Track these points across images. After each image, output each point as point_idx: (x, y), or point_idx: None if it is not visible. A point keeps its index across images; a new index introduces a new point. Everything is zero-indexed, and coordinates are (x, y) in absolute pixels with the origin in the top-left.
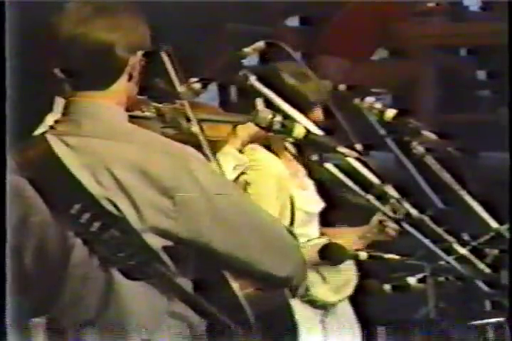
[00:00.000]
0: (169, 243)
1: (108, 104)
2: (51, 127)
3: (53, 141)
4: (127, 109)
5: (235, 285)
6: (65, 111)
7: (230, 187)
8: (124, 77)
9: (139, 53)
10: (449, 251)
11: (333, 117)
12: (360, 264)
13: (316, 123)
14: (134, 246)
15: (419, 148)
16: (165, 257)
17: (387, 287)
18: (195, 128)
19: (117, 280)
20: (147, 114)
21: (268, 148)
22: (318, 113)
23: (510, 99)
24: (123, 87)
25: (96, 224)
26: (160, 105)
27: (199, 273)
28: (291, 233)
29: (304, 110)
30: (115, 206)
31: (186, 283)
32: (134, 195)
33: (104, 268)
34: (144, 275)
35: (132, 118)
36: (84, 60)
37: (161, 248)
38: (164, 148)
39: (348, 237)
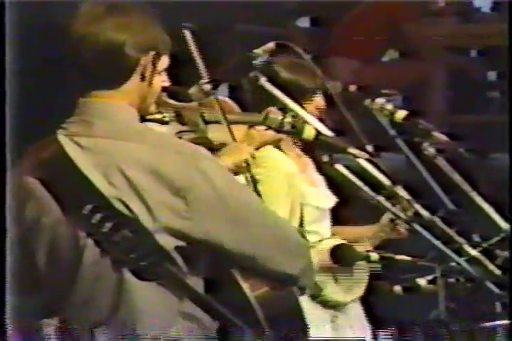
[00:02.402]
0: (181, 243)
1: (120, 104)
2: (63, 128)
3: (65, 141)
4: (145, 112)
5: (245, 286)
6: (77, 112)
7: (241, 188)
8: (136, 77)
9: (151, 53)
10: (460, 252)
11: (343, 118)
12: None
13: (318, 109)
14: (145, 246)
15: (429, 149)
16: (176, 257)
17: (397, 288)
18: (211, 134)
19: (128, 281)
20: (166, 118)
21: (276, 145)
22: (319, 100)
23: (510, 99)
24: (135, 87)
25: (107, 225)
26: (178, 104)
27: (210, 273)
28: (300, 233)
29: (304, 99)
30: (127, 206)
31: (197, 284)
32: (146, 195)
33: (116, 269)
34: (156, 275)
35: (151, 122)
36: (95, 60)
37: (173, 248)
38: (176, 148)
39: (360, 237)
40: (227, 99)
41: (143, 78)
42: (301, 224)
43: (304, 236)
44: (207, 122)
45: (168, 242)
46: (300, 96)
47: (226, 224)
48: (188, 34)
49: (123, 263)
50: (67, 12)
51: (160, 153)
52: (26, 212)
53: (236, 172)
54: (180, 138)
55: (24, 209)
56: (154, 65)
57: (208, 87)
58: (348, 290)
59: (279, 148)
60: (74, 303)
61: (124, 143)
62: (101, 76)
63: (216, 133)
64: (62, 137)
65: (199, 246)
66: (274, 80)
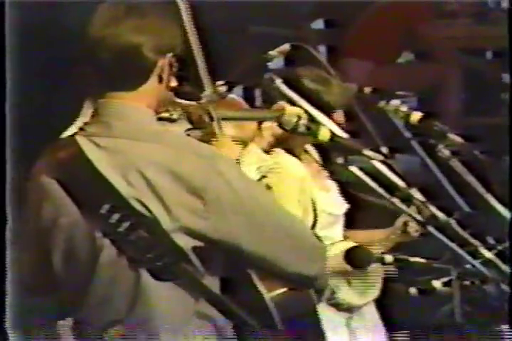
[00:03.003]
0: (198, 243)
1: (138, 106)
2: (81, 129)
3: (83, 142)
4: (156, 111)
5: (261, 287)
6: (95, 113)
7: (258, 189)
8: (154, 79)
9: (169, 55)
10: (475, 254)
11: (358, 120)
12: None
13: (337, 125)
14: (162, 246)
15: (444, 151)
16: (193, 257)
17: (412, 290)
18: (218, 130)
19: (145, 281)
20: (174, 115)
21: (289, 150)
22: (339, 116)
23: (510, 100)
24: (152, 88)
25: (124, 225)
26: (187, 102)
27: (227, 274)
28: (316, 236)
29: (326, 114)
30: (145, 206)
31: (213, 284)
32: (164, 195)
33: (133, 269)
34: (172, 275)
35: (159, 120)
36: (113, 61)
37: (191, 248)
38: (193, 149)
39: (373, 240)
40: (236, 97)
41: (160, 80)
42: (313, 229)
43: (319, 239)
44: (213, 119)
45: (185, 242)
46: (321, 110)
47: (243, 225)
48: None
49: (140, 263)
50: (71, 13)
51: (178, 153)
52: (43, 212)
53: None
54: (188, 135)
55: (41, 210)
56: (171, 66)
57: (222, 88)
58: (361, 293)
59: (291, 153)
60: (90, 303)
61: (142, 143)
62: (119, 78)
63: (225, 130)
64: (80, 137)
65: (216, 246)
66: (298, 90)
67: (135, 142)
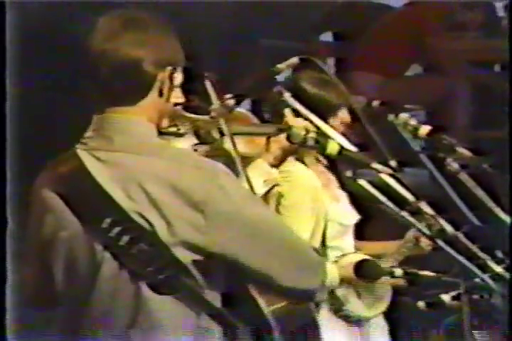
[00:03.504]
0: (198, 257)
1: (138, 120)
2: (82, 143)
3: (84, 156)
4: (160, 125)
5: (262, 301)
6: (96, 127)
7: (258, 203)
8: (154, 93)
9: (168, 69)
10: (484, 268)
11: (366, 133)
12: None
13: (344, 124)
14: (162, 260)
15: (453, 165)
16: (194, 271)
17: (421, 304)
18: (227, 145)
19: (145, 294)
20: (181, 130)
21: (300, 160)
22: (344, 115)
23: (510, 104)
24: (153, 102)
25: (125, 238)
26: (195, 116)
27: (227, 288)
28: (315, 250)
29: (330, 114)
30: (146, 220)
31: (214, 298)
32: (164, 209)
33: (133, 282)
34: (172, 289)
35: (166, 135)
36: (113, 75)
37: (191, 262)
38: (194, 163)
39: (383, 253)
40: (245, 111)
41: (161, 94)
42: (323, 239)
43: (318, 253)
44: (223, 134)
45: (185, 256)
46: (325, 111)
47: (243, 239)
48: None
49: (140, 277)
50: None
51: (178, 167)
52: (44, 226)
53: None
54: (195, 150)
55: (42, 223)
56: (171, 80)
57: (231, 102)
58: (370, 306)
59: (303, 162)
60: (91, 317)
61: (143, 157)
62: (119, 92)
63: (244, 146)
64: (81, 151)
65: (216, 260)
66: (298, 95)
67: (136, 156)
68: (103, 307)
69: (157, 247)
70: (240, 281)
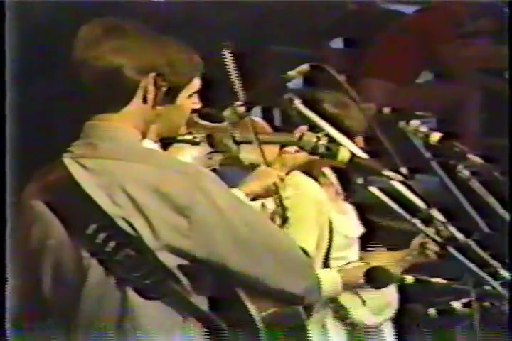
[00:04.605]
0: (184, 262)
1: (123, 127)
2: (68, 151)
3: (70, 164)
4: (175, 133)
5: (251, 305)
6: (82, 135)
7: (244, 207)
8: (138, 100)
9: (151, 75)
10: (495, 276)
11: (377, 140)
12: (403, 287)
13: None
14: (149, 265)
15: (464, 172)
16: (180, 276)
17: (432, 311)
18: (242, 155)
19: (132, 300)
20: (197, 138)
21: (307, 173)
22: (359, 141)
23: (510, 109)
24: (137, 109)
25: (111, 244)
26: (209, 124)
27: (215, 292)
28: (304, 251)
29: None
30: (130, 225)
31: (202, 302)
32: (149, 214)
33: (120, 288)
34: (160, 294)
35: (182, 143)
36: (95, 83)
37: (176, 267)
38: (179, 167)
39: (389, 261)
40: (259, 120)
41: (145, 100)
42: (328, 250)
43: (307, 255)
44: (238, 143)
45: (170, 261)
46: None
47: (228, 244)
48: (227, 54)
49: (127, 282)
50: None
51: (163, 172)
52: (32, 235)
53: (265, 195)
54: (209, 159)
55: (30, 233)
56: (157, 86)
57: (242, 109)
58: (376, 312)
59: (310, 174)
60: (79, 324)
61: (128, 163)
62: (102, 99)
63: (247, 154)
64: (67, 160)
65: (201, 264)
66: (320, 115)
67: (121, 162)
68: (91, 312)
69: (143, 252)
70: (228, 286)
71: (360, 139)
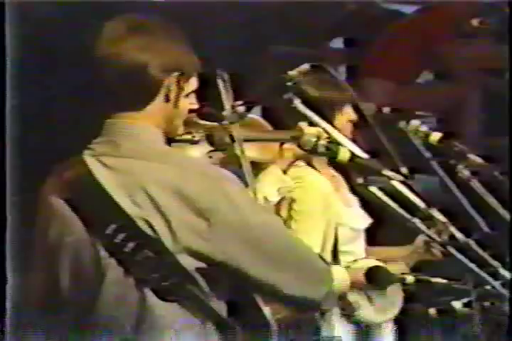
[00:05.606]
0: (203, 265)
1: (145, 125)
2: (89, 148)
3: (91, 161)
4: (173, 134)
5: (266, 309)
6: (103, 132)
7: (263, 211)
8: (161, 98)
9: (175, 74)
10: (495, 275)
11: (377, 140)
12: (403, 287)
13: (351, 122)
14: (167, 267)
15: (464, 172)
16: (198, 279)
17: (432, 311)
18: (238, 151)
19: (151, 301)
20: (196, 137)
21: (311, 164)
22: (349, 112)
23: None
24: (160, 108)
25: (130, 245)
26: (208, 123)
27: (232, 297)
28: (322, 258)
29: (334, 111)
30: (150, 226)
31: (220, 306)
32: (169, 215)
33: (138, 289)
34: (178, 296)
35: (181, 142)
36: (118, 80)
37: (195, 269)
38: (200, 169)
39: (394, 258)
40: (258, 118)
41: (167, 99)
42: (335, 244)
43: (325, 262)
44: (234, 141)
45: (189, 263)
46: (330, 110)
47: (246, 248)
48: (219, 82)
49: (145, 283)
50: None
51: (184, 173)
52: (50, 232)
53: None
54: (210, 157)
55: (48, 229)
56: (179, 86)
57: (241, 108)
58: (381, 312)
59: (313, 167)
60: (95, 323)
61: (149, 163)
62: (125, 97)
63: (248, 152)
64: (88, 157)
65: (219, 268)
66: (303, 98)
67: (143, 162)
68: (108, 312)
69: (162, 254)
70: (245, 290)
71: (348, 110)
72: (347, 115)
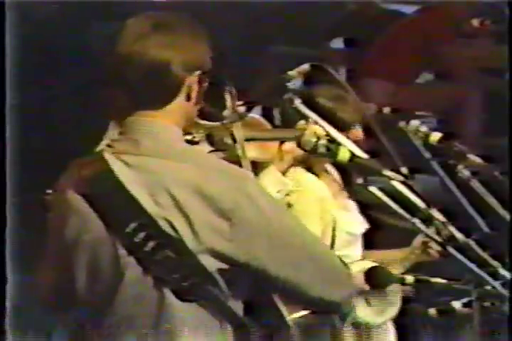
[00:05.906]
0: (224, 265)
1: (166, 124)
2: (109, 145)
3: (111, 159)
4: (184, 130)
5: (284, 310)
6: (123, 130)
7: (285, 212)
8: (182, 97)
9: (197, 73)
10: (495, 275)
11: (377, 140)
12: (403, 287)
13: (356, 142)
14: (187, 267)
15: (464, 172)
16: (219, 279)
17: (432, 311)
18: (239, 151)
19: (169, 300)
20: (197, 138)
21: (309, 169)
22: (357, 132)
23: (510, 109)
24: (180, 107)
25: (150, 244)
26: (208, 123)
27: (251, 297)
28: (342, 261)
29: (343, 130)
30: (172, 226)
31: (237, 307)
32: (191, 215)
33: (157, 288)
34: (197, 297)
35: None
36: (141, 78)
37: (216, 270)
38: (223, 169)
39: (391, 260)
40: (258, 117)
41: (188, 98)
42: (332, 248)
43: (345, 265)
44: (235, 140)
45: (210, 264)
46: (338, 127)
47: (269, 248)
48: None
49: (164, 283)
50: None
51: (206, 173)
52: (67, 228)
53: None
54: None
55: (65, 225)
56: (201, 85)
57: (242, 108)
58: (379, 312)
59: (312, 171)
60: (113, 322)
61: (170, 162)
62: (146, 95)
63: (248, 151)
64: (108, 155)
65: (241, 269)
66: (314, 109)
67: (164, 161)
68: (126, 311)
69: (183, 254)
70: (265, 290)
71: (358, 130)
72: (354, 134)
